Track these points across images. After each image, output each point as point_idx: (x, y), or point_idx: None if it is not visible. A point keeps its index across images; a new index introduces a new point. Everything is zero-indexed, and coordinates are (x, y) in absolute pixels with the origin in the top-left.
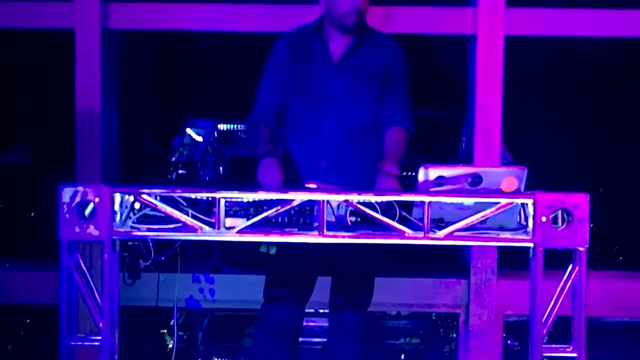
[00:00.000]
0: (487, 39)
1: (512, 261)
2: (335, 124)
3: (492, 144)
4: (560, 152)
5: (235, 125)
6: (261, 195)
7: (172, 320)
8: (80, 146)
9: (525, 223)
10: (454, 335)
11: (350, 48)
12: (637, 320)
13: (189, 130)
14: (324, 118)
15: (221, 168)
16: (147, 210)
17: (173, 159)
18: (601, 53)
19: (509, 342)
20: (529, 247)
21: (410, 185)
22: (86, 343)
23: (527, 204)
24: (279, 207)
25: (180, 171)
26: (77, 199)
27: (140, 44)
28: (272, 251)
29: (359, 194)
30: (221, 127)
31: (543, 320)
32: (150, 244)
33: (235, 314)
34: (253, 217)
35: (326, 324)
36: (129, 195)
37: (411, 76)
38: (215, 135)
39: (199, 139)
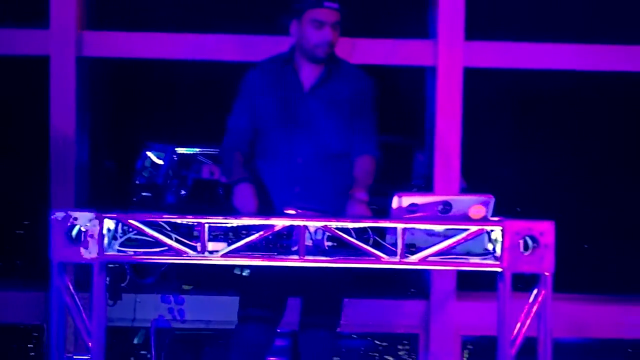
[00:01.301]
0: (447, 70)
1: (467, 282)
2: (308, 151)
3: (452, 171)
4: (520, 179)
5: (194, 149)
6: (245, 221)
7: (135, 340)
8: (55, 170)
9: (490, 248)
10: (375, 354)
11: (321, 77)
12: (590, 340)
13: (149, 154)
14: (297, 145)
15: (183, 191)
16: (131, 234)
17: (137, 182)
18: (557, 84)
19: None
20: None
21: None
22: None
23: (493, 230)
24: (262, 232)
25: (144, 193)
26: (68, 223)
27: (98, 69)
28: (246, 273)
29: (338, 220)
30: (179, 150)
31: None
32: (127, 267)
33: (196, 333)
34: (233, 241)
35: (284, 344)
36: (118, 221)
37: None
38: (175, 158)
39: (160, 162)
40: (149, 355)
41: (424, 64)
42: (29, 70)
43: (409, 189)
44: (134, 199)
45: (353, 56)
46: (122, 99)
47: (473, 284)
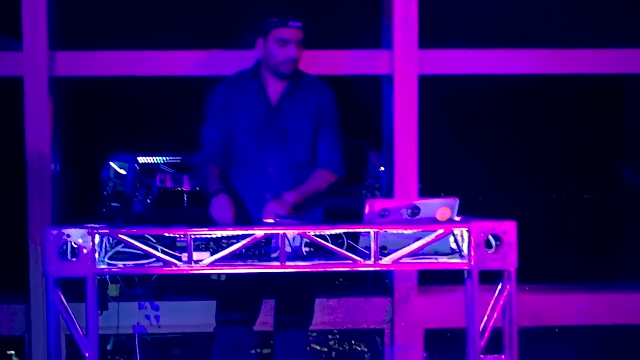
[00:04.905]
0: (403, 78)
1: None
2: (277, 160)
3: (410, 175)
4: (473, 178)
5: (155, 158)
6: (229, 232)
7: (108, 346)
8: (32, 186)
9: (456, 247)
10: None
11: (287, 91)
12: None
13: (112, 164)
14: (267, 155)
15: (149, 200)
16: (119, 248)
17: (105, 192)
18: (507, 88)
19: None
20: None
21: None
22: None
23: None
24: (245, 241)
25: (113, 204)
26: (62, 240)
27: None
28: (223, 278)
29: (315, 228)
30: (141, 160)
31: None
32: (107, 277)
33: (163, 337)
34: (215, 250)
35: None
36: (104, 235)
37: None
38: (137, 168)
39: (122, 172)
40: None
41: (381, 72)
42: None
43: (363, 189)
44: (103, 210)
45: (314, 67)
46: (81, 112)
47: (430, 278)
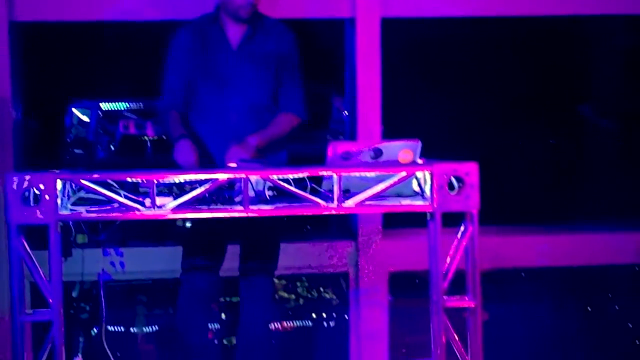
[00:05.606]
0: (365, 21)
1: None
2: (239, 105)
3: (373, 119)
4: (435, 123)
5: (119, 104)
6: (191, 176)
7: (73, 293)
8: None
9: (419, 190)
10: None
11: (247, 35)
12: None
13: (74, 111)
14: (229, 100)
15: (112, 146)
16: (81, 194)
17: (68, 139)
18: (470, 31)
19: None
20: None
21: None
22: (38, 318)
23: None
24: (207, 186)
25: (76, 150)
26: (24, 186)
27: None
28: (188, 224)
29: (278, 172)
30: (104, 106)
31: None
32: (71, 224)
33: (129, 284)
34: (178, 195)
35: None
36: (67, 180)
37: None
38: (100, 114)
39: (85, 118)
40: (87, 308)
41: (343, 15)
42: None
43: (327, 133)
44: (67, 157)
45: (274, 11)
46: (43, 58)
47: (394, 221)
